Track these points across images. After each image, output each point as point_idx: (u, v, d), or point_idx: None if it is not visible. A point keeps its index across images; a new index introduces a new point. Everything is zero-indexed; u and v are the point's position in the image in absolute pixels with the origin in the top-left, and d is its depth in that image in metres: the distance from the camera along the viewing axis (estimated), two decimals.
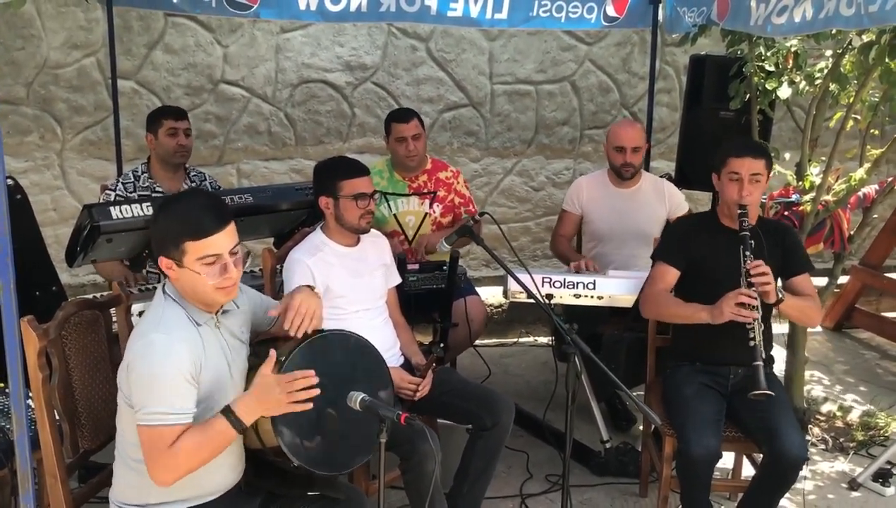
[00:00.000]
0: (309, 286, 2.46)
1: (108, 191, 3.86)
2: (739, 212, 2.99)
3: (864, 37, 3.50)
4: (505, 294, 3.63)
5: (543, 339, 5.39)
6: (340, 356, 2.33)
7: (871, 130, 4.00)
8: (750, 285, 2.89)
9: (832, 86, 3.81)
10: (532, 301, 3.05)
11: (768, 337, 3.20)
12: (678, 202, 4.15)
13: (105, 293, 3.19)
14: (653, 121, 5.09)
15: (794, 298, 3.05)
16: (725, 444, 3.07)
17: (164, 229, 2.11)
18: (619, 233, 4.11)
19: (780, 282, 3.14)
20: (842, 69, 3.69)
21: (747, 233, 2.96)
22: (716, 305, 2.93)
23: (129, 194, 3.80)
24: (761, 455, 2.93)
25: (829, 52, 3.77)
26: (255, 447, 2.32)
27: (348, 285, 3.02)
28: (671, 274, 3.19)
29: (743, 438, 3.03)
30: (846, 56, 3.66)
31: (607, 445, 3.74)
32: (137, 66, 5.18)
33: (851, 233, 4.36)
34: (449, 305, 3.70)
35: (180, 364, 2.04)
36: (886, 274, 5.43)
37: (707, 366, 3.09)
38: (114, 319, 2.53)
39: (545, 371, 4.91)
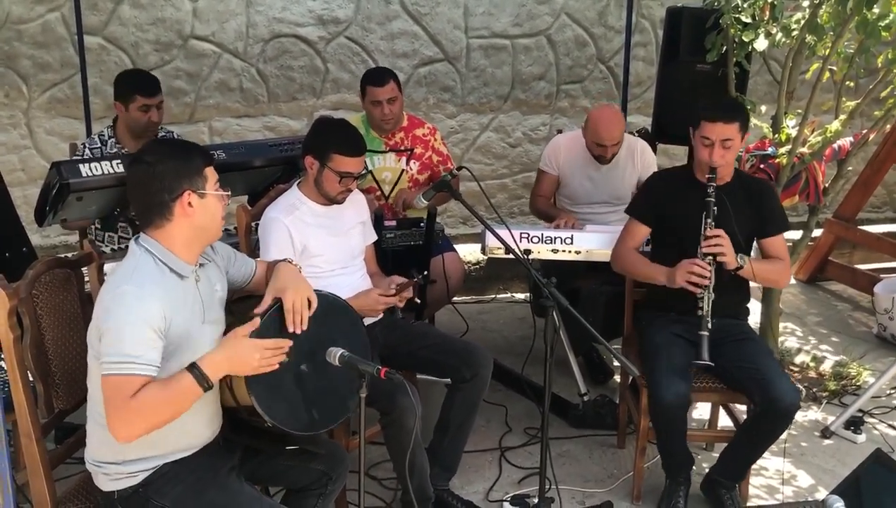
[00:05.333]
0: (287, 260, 2.45)
1: (75, 157, 3.77)
2: (708, 176, 3.02)
3: None
4: (483, 250, 3.64)
5: (521, 296, 5.40)
6: (317, 315, 2.31)
7: (847, 82, 4.01)
8: (705, 255, 2.95)
9: (808, 38, 3.79)
10: (510, 256, 3.08)
11: (744, 291, 3.23)
12: (649, 164, 4.13)
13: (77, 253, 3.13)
14: (629, 75, 5.07)
15: (757, 263, 3.09)
16: (704, 394, 3.11)
17: None
18: (596, 197, 4.11)
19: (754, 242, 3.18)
20: (818, 20, 3.67)
21: (712, 199, 2.99)
22: (671, 272, 3.02)
23: None
24: (745, 406, 2.98)
25: (805, 3, 3.74)
26: (229, 405, 2.31)
27: (326, 244, 2.99)
28: (641, 231, 3.24)
29: (723, 388, 3.06)
30: (823, 6, 3.64)
31: (585, 398, 3.77)
32: (104, 22, 5.05)
33: (826, 185, 4.38)
34: (427, 261, 3.69)
35: (148, 315, 2.01)
36: (859, 227, 5.49)
37: (681, 316, 3.11)
38: (86, 278, 2.48)
39: (523, 326, 4.92)
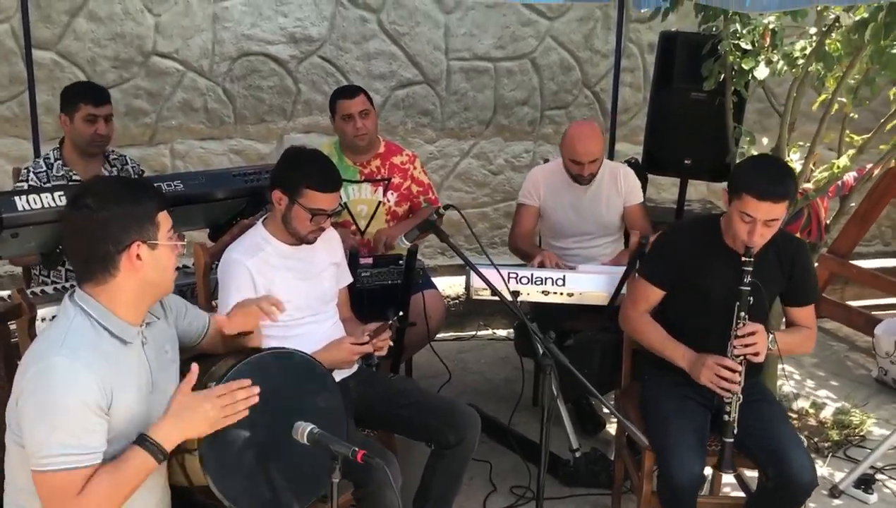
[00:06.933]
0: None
1: (19, 183, 3.42)
2: (744, 259, 2.61)
3: (852, 14, 3.26)
4: (467, 290, 3.33)
5: (503, 332, 5.10)
6: (281, 378, 2.00)
7: (850, 114, 3.78)
8: (735, 355, 2.64)
9: (813, 67, 3.56)
10: (496, 298, 2.79)
11: None
12: (632, 187, 3.86)
13: (6, 296, 2.77)
14: (616, 102, 4.82)
15: (784, 337, 2.81)
16: (710, 458, 2.81)
17: None
18: (581, 228, 3.85)
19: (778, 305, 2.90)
20: (826, 48, 3.43)
21: (747, 288, 2.61)
22: (695, 363, 2.70)
23: (42, 185, 3.36)
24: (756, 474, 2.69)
25: (812, 30, 3.51)
26: (180, 484, 1.98)
27: (294, 289, 2.66)
28: (655, 295, 2.88)
29: (735, 454, 2.76)
30: (832, 34, 3.40)
31: (577, 454, 3.45)
32: (58, 36, 4.69)
33: (828, 221, 4.15)
34: (406, 301, 3.38)
35: (85, 393, 1.69)
36: (853, 262, 5.27)
37: (690, 376, 2.81)
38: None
39: (506, 367, 4.63)
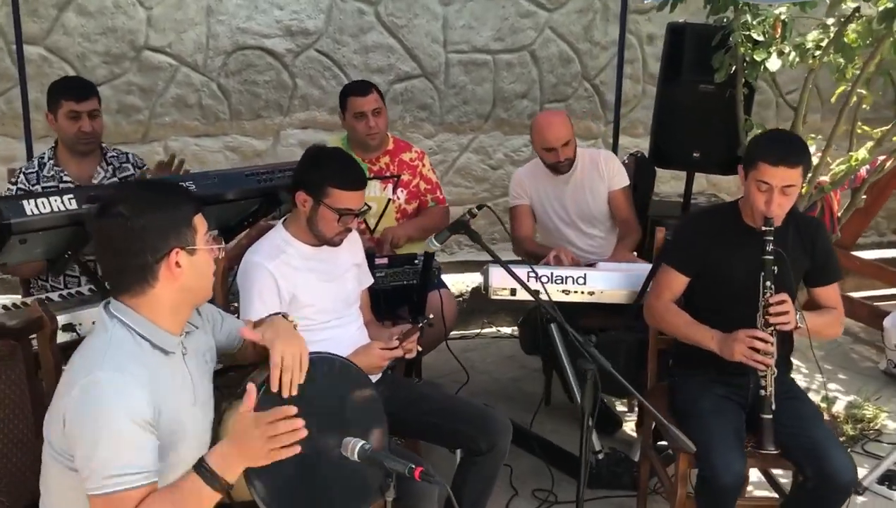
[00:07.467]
0: (282, 315, 2.04)
1: (9, 186, 3.27)
2: (764, 229, 2.58)
3: (872, 4, 3.21)
4: (486, 290, 3.25)
5: (507, 330, 5.02)
6: (325, 386, 1.89)
7: (863, 105, 3.75)
8: (767, 324, 2.58)
9: (829, 58, 3.51)
10: (514, 298, 2.73)
11: (789, 341, 2.89)
12: (615, 172, 3.81)
13: (19, 302, 2.64)
14: (619, 93, 4.75)
15: (813, 317, 2.73)
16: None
17: None
18: (570, 219, 3.80)
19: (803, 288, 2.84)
20: (844, 39, 3.39)
21: (770, 257, 2.58)
22: (726, 340, 2.63)
23: (31, 187, 3.21)
24: (791, 472, 2.64)
25: (831, 21, 3.46)
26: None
27: (318, 292, 2.56)
28: (679, 282, 2.82)
29: (771, 454, 2.70)
30: (851, 25, 3.36)
31: (599, 456, 3.40)
32: (46, 30, 4.54)
33: (839, 214, 4.12)
34: (422, 303, 3.29)
35: (134, 408, 1.59)
36: (854, 253, 5.26)
37: (723, 375, 2.75)
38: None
39: (513, 366, 4.56)
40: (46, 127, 4.30)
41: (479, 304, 4.95)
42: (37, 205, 2.46)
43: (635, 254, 3.77)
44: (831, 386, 4.42)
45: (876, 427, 3.93)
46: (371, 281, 2.89)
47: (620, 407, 4.05)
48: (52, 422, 1.65)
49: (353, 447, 1.78)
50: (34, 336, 1.95)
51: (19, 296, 3.69)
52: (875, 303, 5.07)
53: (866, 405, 4.09)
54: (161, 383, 1.67)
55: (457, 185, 5.37)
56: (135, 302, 1.69)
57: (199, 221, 1.76)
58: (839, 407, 4.10)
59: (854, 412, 4.03)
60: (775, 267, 2.58)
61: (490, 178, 5.47)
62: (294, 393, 1.84)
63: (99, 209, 1.71)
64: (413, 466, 1.70)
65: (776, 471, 3.02)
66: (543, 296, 3.19)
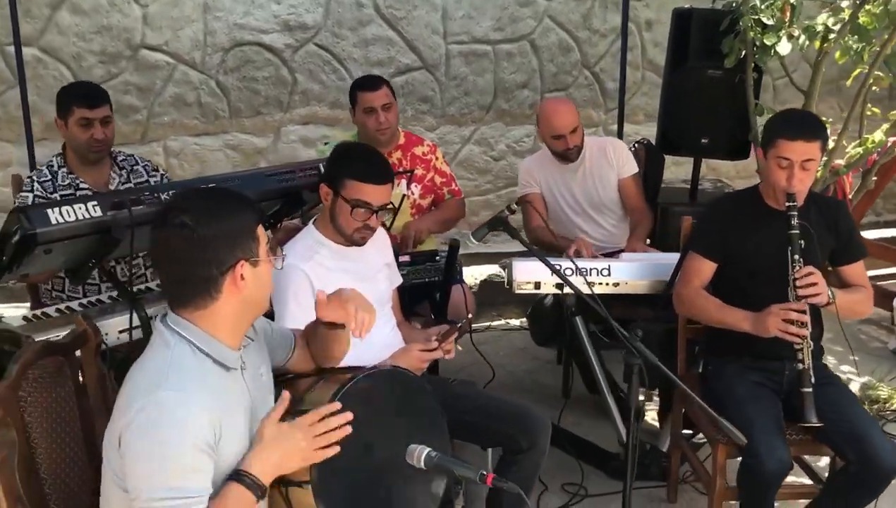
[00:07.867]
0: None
1: (23, 194, 3.17)
2: (788, 205, 2.61)
3: None
4: (509, 285, 3.21)
5: (516, 322, 5.00)
6: (387, 397, 1.85)
7: (873, 87, 3.75)
8: (798, 297, 2.57)
9: (842, 40, 3.51)
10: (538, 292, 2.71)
11: (820, 325, 2.89)
12: (624, 160, 3.79)
13: (39, 313, 2.57)
14: (617, 81, 4.73)
15: (844, 294, 2.75)
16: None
17: None
18: (581, 211, 3.79)
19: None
20: (860, 21, 3.38)
21: (796, 231, 2.59)
22: (758, 318, 2.63)
23: (49, 196, 3.12)
24: (828, 459, 2.64)
25: (845, 3, 3.45)
26: None
27: None
28: (707, 268, 2.82)
29: (804, 439, 2.70)
30: (867, 6, 3.35)
31: (647, 447, 3.39)
32: (40, 30, 4.44)
33: (851, 196, 4.13)
34: (445, 300, 3.25)
35: (196, 431, 1.53)
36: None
37: (757, 361, 2.75)
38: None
39: (525, 358, 4.53)
40: (41, 130, 4.23)
41: (487, 297, 4.92)
42: (61, 214, 2.38)
43: (648, 242, 3.76)
44: (844, 367, 4.44)
45: (893, 408, 3.94)
46: (400, 280, 2.85)
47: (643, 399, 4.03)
48: (110, 442, 1.59)
49: (419, 455, 1.74)
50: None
51: (25, 305, 3.63)
52: (880, 283, 5.10)
53: (880, 385, 4.11)
54: (224, 402, 1.62)
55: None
56: (195, 315, 1.64)
57: (261, 231, 1.70)
58: (854, 388, 4.11)
59: (869, 393, 4.04)
60: (802, 242, 2.58)
61: (493, 170, 5.43)
62: (369, 332, 1.87)
63: (160, 218, 1.64)
64: (484, 473, 1.66)
65: (810, 458, 3.01)
66: (566, 290, 3.19)
